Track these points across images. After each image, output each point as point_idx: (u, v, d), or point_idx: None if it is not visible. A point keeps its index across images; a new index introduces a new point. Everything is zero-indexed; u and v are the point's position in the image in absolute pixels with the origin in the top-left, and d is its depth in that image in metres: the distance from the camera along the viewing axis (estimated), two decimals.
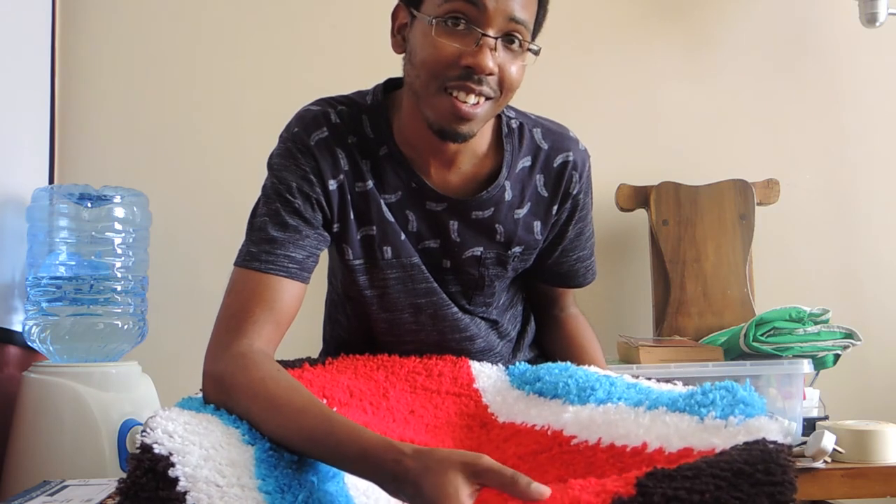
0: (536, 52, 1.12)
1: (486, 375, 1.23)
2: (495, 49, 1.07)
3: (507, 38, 1.08)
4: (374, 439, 0.86)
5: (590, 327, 1.43)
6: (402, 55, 1.17)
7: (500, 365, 1.29)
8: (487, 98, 1.10)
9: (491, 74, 1.07)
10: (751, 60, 2.17)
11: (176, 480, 0.80)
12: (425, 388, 1.19)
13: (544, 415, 1.07)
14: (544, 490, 0.77)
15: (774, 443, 0.82)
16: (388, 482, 0.83)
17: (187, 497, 0.78)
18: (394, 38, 1.15)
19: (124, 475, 0.83)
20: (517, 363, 1.27)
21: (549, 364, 1.21)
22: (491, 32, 1.06)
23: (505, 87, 1.10)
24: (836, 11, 2.14)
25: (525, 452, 1.01)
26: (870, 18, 1.99)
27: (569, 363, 1.22)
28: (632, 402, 1.02)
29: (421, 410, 1.14)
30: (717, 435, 0.87)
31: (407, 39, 1.13)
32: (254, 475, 0.84)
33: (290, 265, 1.11)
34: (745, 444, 0.83)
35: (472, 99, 1.08)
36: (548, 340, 1.42)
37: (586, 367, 1.23)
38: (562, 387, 1.11)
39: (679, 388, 1.07)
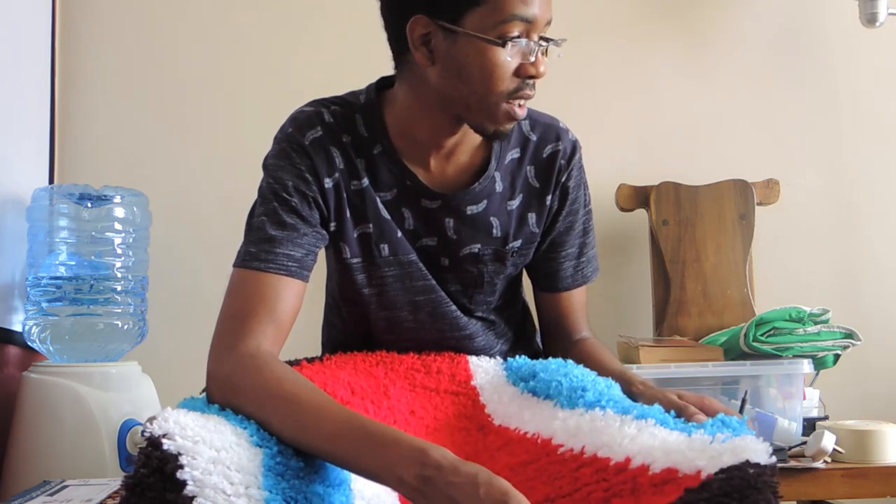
0: (558, 44, 1.14)
1: (484, 370, 1.23)
2: (546, 53, 1.12)
3: (545, 39, 1.12)
4: (403, 433, 0.87)
5: (607, 349, 1.32)
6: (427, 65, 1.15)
7: (497, 358, 1.29)
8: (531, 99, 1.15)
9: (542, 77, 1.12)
10: (751, 60, 2.17)
11: (184, 483, 0.79)
12: (424, 386, 1.19)
13: (536, 420, 1.07)
14: None
15: (757, 465, 0.81)
16: (416, 470, 0.81)
17: (194, 502, 0.77)
18: (417, 50, 1.12)
19: (125, 475, 0.82)
20: (517, 356, 1.26)
21: (548, 360, 1.20)
22: (536, 38, 1.10)
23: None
24: (836, 11, 2.14)
25: (516, 463, 1.01)
26: (870, 18, 1.99)
27: (569, 360, 1.20)
28: (619, 408, 1.01)
29: (421, 411, 1.14)
30: (702, 453, 0.85)
31: (435, 51, 1.11)
32: (261, 485, 0.83)
33: (290, 263, 1.11)
34: (728, 469, 0.81)
35: (522, 102, 1.13)
36: None
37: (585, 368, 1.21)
38: (554, 387, 1.10)
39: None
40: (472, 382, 1.20)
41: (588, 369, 1.17)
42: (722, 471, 0.81)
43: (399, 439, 0.85)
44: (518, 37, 1.08)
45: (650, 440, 0.91)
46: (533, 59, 1.10)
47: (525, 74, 1.10)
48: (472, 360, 1.25)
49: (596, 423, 0.98)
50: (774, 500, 0.78)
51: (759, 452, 0.83)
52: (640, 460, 0.88)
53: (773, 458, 0.83)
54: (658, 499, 0.83)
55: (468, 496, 0.77)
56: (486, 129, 1.15)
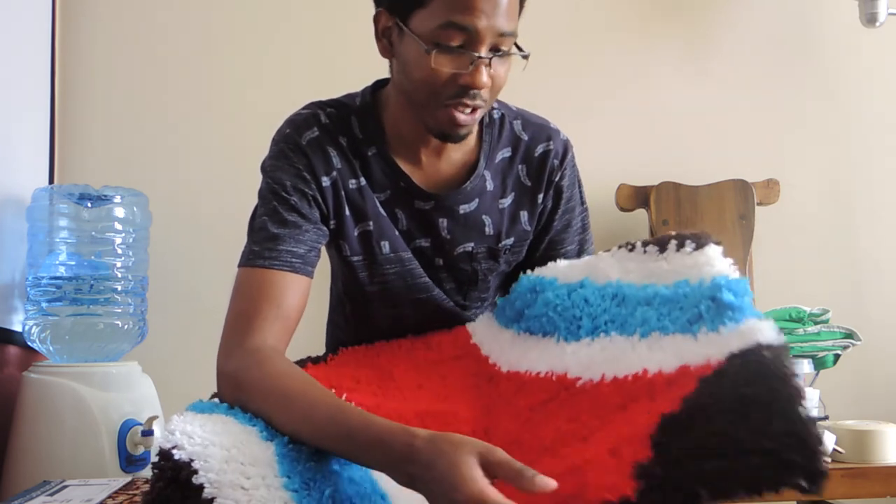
0: (526, 57, 1.13)
1: (480, 325, 1.26)
2: (489, 65, 1.09)
3: (496, 50, 1.10)
4: (386, 425, 0.86)
5: None
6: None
7: (488, 311, 1.30)
8: (481, 107, 1.13)
9: (485, 88, 1.10)
10: (751, 60, 2.17)
11: (201, 487, 0.78)
12: (427, 359, 1.20)
13: (544, 358, 1.07)
14: (549, 483, 0.76)
15: (769, 347, 0.81)
16: (400, 469, 0.82)
17: (215, 503, 0.78)
18: (379, 41, 1.16)
19: (125, 475, 0.83)
20: (497, 299, 1.28)
21: (518, 289, 1.19)
22: (483, 51, 1.08)
23: (494, 92, 1.14)
24: (836, 11, 2.15)
25: (535, 403, 1.01)
26: (870, 18, 1.99)
27: (536, 279, 1.18)
28: (620, 328, 1.01)
29: (428, 384, 1.15)
30: (709, 345, 0.87)
31: (393, 45, 1.14)
32: (278, 473, 0.84)
33: (293, 259, 1.12)
34: (741, 355, 0.82)
35: (468, 110, 1.12)
36: None
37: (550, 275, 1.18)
38: (546, 322, 1.11)
39: (656, 284, 1.02)
40: (472, 340, 1.22)
41: (559, 283, 1.15)
42: (734, 356, 0.82)
43: (376, 440, 0.85)
44: (456, 46, 1.07)
45: (660, 353, 0.93)
46: (471, 67, 1.07)
47: (461, 83, 1.09)
48: (469, 324, 1.28)
49: (606, 351, 0.99)
50: (796, 383, 0.77)
51: (766, 331, 0.84)
52: (656, 368, 0.90)
53: (783, 337, 0.83)
54: (673, 392, 0.83)
55: (437, 492, 0.79)
56: (431, 130, 1.15)
